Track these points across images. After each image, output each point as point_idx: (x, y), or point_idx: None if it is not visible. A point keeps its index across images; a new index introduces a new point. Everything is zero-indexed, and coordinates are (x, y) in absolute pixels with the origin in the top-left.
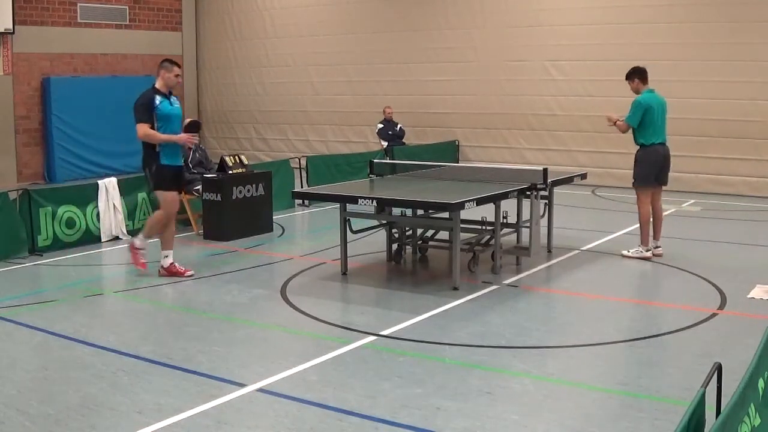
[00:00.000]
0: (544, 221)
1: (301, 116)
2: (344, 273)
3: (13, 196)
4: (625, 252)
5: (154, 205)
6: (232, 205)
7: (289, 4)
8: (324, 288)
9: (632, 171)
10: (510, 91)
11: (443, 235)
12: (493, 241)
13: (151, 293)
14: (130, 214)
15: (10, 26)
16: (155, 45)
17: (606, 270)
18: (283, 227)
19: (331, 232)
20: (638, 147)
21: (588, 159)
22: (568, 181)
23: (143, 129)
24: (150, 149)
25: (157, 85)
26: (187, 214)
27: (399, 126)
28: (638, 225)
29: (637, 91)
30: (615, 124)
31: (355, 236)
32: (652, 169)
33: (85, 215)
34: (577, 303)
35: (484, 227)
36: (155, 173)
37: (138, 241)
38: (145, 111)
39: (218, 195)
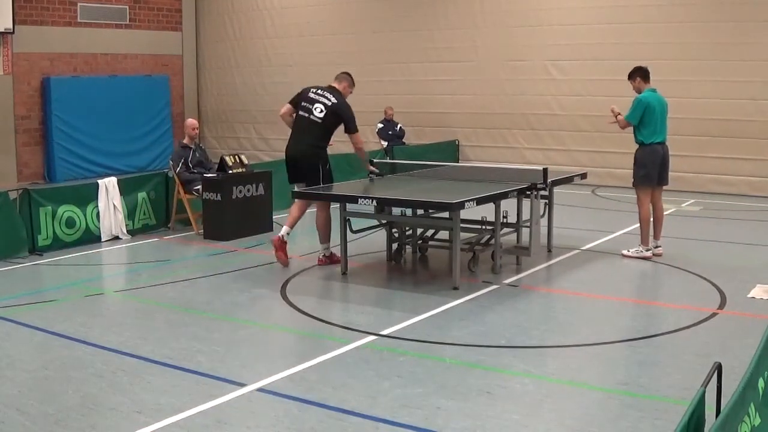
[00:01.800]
0: (544, 221)
1: None
2: (344, 273)
3: (13, 195)
4: (625, 251)
5: (155, 206)
6: (232, 204)
7: (289, 3)
8: (324, 288)
9: (634, 170)
10: (510, 90)
11: (443, 234)
12: (493, 241)
13: (151, 293)
14: (130, 214)
15: (10, 26)
16: (155, 45)
17: (606, 270)
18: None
19: (331, 231)
20: (637, 146)
21: (588, 159)
22: (568, 180)
23: (361, 139)
24: (323, 148)
25: (343, 93)
26: (186, 214)
27: (399, 126)
28: (638, 224)
29: (638, 90)
30: (617, 117)
31: (355, 236)
32: (651, 169)
33: (85, 215)
34: (577, 303)
35: (484, 227)
36: (328, 171)
37: (327, 251)
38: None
39: (218, 195)
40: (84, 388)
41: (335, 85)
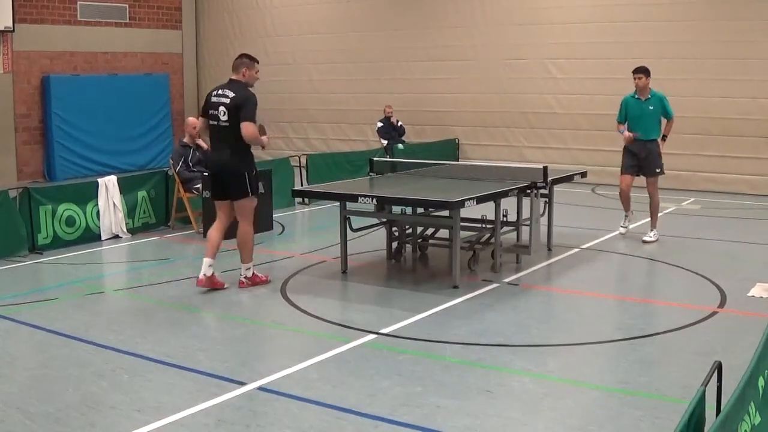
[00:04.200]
0: (544, 219)
1: (301, 114)
2: (344, 271)
3: (13, 194)
4: (646, 238)
5: (155, 204)
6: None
7: (289, 2)
8: (324, 286)
9: (656, 163)
10: (510, 89)
11: (443, 233)
12: (493, 240)
13: (150, 291)
14: (130, 213)
15: (10, 24)
16: (155, 43)
17: (606, 268)
18: (283, 225)
19: (331, 230)
20: (657, 139)
21: (588, 157)
22: (568, 179)
23: (254, 128)
24: (246, 152)
25: (246, 83)
26: (187, 213)
27: (399, 123)
28: (656, 215)
29: (645, 88)
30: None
31: (355, 234)
32: None
33: (85, 213)
34: (576, 301)
35: (484, 225)
36: (255, 178)
37: (248, 272)
38: (256, 111)
39: None
40: (84, 386)
41: (234, 77)
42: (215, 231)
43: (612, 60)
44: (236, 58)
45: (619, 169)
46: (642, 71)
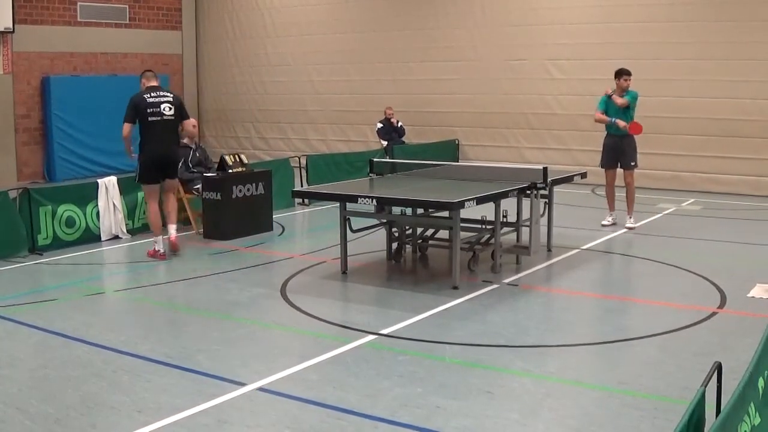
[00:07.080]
0: (543, 220)
1: (301, 115)
2: (344, 272)
3: (13, 195)
4: (629, 225)
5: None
6: (232, 204)
7: (289, 3)
8: (324, 287)
9: (631, 156)
10: (510, 90)
11: (443, 234)
12: (493, 240)
13: (150, 292)
14: (130, 213)
15: (10, 25)
16: (155, 44)
17: (606, 269)
18: (283, 226)
19: (331, 231)
20: (627, 135)
21: (588, 158)
22: (567, 180)
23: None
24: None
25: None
26: (187, 213)
27: (399, 123)
28: (632, 203)
29: (628, 88)
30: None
31: (355, 235)
32: None
33: (84, 214)
34: (576, 302)
35: (484, 226)
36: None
37: (173, 230)
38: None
39: (218, 194)
40: (84, 387)
41: (155, 84)
42: (157, 212)
43: (612, 60)
44: (148, 71)
45: (599, 166)
46: (629, 73)
